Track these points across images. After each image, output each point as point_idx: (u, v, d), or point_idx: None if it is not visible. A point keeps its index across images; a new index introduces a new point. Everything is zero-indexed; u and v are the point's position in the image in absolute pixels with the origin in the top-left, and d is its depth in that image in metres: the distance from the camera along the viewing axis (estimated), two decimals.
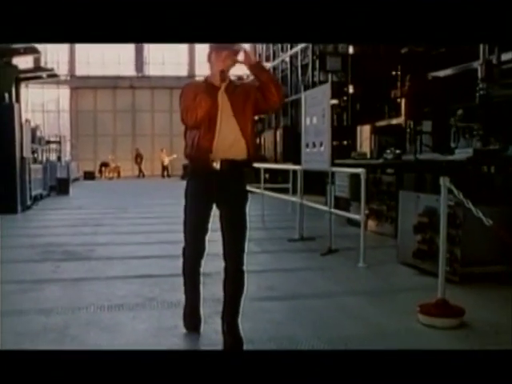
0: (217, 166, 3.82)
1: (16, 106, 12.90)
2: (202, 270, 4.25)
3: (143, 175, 34.60)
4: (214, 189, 3.86)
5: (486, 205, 4.81)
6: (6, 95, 12.90)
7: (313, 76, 21.04)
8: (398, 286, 5.86)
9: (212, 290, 4.86)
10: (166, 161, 33.89)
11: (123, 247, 8.23)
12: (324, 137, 7.65)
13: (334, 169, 8.10)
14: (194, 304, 4.37)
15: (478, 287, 5.57)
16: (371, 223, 9.55)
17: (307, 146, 8.29)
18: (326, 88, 7.65)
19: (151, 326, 4.53)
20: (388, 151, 10.61)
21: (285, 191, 11.89)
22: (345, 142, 19.03)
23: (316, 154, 7.97)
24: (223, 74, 3.77)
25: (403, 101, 13.10)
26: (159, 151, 34.57)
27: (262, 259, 7.27)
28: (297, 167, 8.99)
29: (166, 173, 34.01)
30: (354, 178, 9.88)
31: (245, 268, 4.02)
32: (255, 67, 3.84)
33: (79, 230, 10.23)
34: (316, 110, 7.94)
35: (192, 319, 4.36)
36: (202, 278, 4.34)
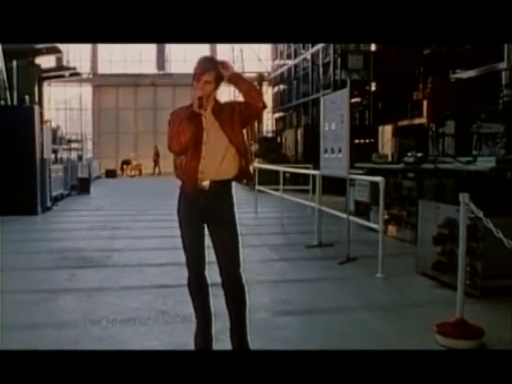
0: (205, 185, 3.86)
1: (36, 107, 12.96)
2: (209, 281, 4.12)
3: (159, 172, 34.60)
4: (203, 207, 3.91)
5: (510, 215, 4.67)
6: (27, 97, 12.94)
7: (334, 75, 20.86)
8: (416, 299, 5.71)
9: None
10: None
11: (139, 253, 8.19)
12: (342, 143, 7.51)
13: (353, 176, 7.95)
14: (205, 320, 4.23)
15: (499, 302, 5.40)
16: (391, 228, 9.40)
17: (326, 151, 8.16)
18: (345, 93, 7.50)
19: (162, 343, 4.46)
20: (409, 154, 10.41)
21: (306, 191, 11.79)
22: (366, 140, 18.85)
23: (334, 159, 7.84)
24: (201, 100, 3.77)
25: (425, 103, 12.87)
26: None
27: (279, 268, 7.18)
28: (315, 172, 8.86)
29: None
30: (374, 182, 9.74)
31: (244, 281, 4.00)
32: (233, 78, 3.89)
33: (97, 233, 10.22)
34: (335, 115, 7.81)
35: (202, 338, 4.21)
36: (210, 290, 4.21)
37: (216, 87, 3.92)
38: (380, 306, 5.42)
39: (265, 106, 4.03)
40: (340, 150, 7.59)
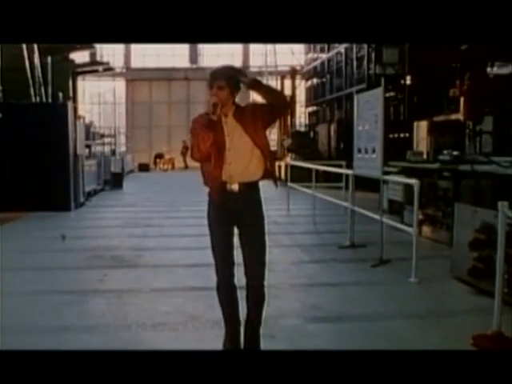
0: (235, 188, 3.92)
1: (70, 104, 13.07)
2: (237, 283, 4.15)
3: (186, 166, 34.62)
4: (233, 210, 3.97)
5: None
6: (60, 94, 13.05)
7: (368, 69, 20.60)
8: (451, 307, 5.55)
9: None
10: None
11: (171, 253, 8.18)
12: (376, 143, 7.36)
13: (386, 177, 7.80)
14: (234, 328, 4.22)
15: None
16: (426, 229, 9.21)
17: (359, 151, 8.02)
18: (379, 92, 7.34)
19: None
20: (445, 152, 10.18)
21: (338, 186, 11.65)
22: (401, 135, 18.55)
23: (368, 160, 7.69)
24: (215, 107, 3.79)
25: (462, 100, 12.56)
26: None
27: (311, 270, 7.08)
28: (349, 171, 8.72)
29: None
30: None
31: (265, 283, 4.10)
32: (252, 84, 3.89)
33: (129, 231, 10.27)
34: (369, 114, 7.65)
35: (231, 345, 4.19)
36: (239, 294, 4.21)
37: (231, 93, 3.91)
38: (414, 314, 5.28)
39: (288, 106, 4.03)
40: (374, 151, 7.44)
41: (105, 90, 37.84)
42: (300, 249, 8.39)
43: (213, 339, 4.54)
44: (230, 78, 3.88)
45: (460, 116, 13.25)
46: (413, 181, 6.58)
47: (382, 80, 7.12)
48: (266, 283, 4.09)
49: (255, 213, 4.03)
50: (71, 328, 4.90)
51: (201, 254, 7.83)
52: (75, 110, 19.90)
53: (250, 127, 3.91)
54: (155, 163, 34.88)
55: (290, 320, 5.11)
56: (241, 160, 3.91)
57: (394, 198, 10.50)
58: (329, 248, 8.46)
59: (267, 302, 4.39)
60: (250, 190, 3.98)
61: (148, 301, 5.74)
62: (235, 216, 3.99)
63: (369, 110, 7.64)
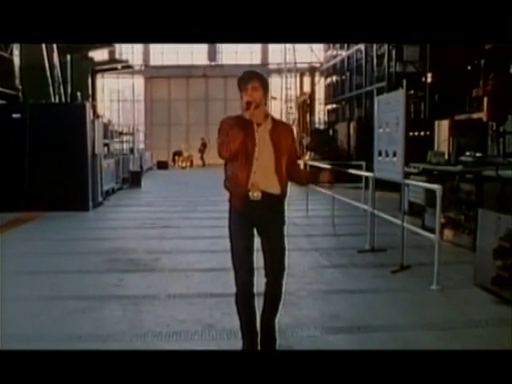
0: (257, 196, 3.99)
1: (88, 104, 13.07)
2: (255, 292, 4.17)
3: (203, 164, 34.63)
4: (255, 217, 4.05)
5: None
6: (79, 94, 13.05)
7: (389, 66, 20.36)
8: (475, 317, 5.38)
9: None
10: None
11: (188, 256, 8.09)
12: (398, 146, 7.20)
13: (408, 181, 7.64)
14: (251, 338, 4.22)
15: None
16: (448, 232, 9.02)
17: (379, 154, 7.86)
18: (401, 95, 7.18)
19: None
20: (467, 154, 9.99)
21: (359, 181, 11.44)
22: (421, 133, 18.29)
23: (389, 163, 7.53)
24: (249, 104, 3.85)
25: (485, 100, 12.31)
26: None
27: (329, 276, 6.95)
28: (369, 174, 8.56)
29: None
30: (431, 182, 9.36)
31: (284, 282, 4.25)
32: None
33: (146, 232, 10.21)
34: (389, 116, 7.49)
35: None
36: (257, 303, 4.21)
37: (264, 94, 3.98)
38: (436, 325, 5.13)
39: (302, 183, 4.55)
40: (395, 154, 7.28)
41: (124, 88, 37.98)
42: (319, 252, 8.26)
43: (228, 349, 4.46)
44: (263, 80, 4.00)
45: (483, 116, 13.00)
46: (435, 186, 6.41)
47: (404, 82, 6.95)
48: (284, 283, 4.24)
49: (276, 220, 4.14)
50: (85, 337, 4.83)
51: (218, 257, 7.80)
52: (94, 108, 19.99)
53: (278, 149, 4.01)
54: (174, 161, 34.88)
55: (309, 330, 4.99)
56: (265, 171, 3.99)
57: (415, 200, 10.31)
58: (348, 252, 8.31)
59: (285, 310, 4.66)
60: (273, 200, 4.05)
61: (164, 308, 5.66)
62: (256, 222, 4.08)
63: (390, 112, 7.48)
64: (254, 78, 3.95)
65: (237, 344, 4.41)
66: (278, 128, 4.08)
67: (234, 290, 5.62)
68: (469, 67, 16.47)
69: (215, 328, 5.04)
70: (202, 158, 35.05)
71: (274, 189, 4.05)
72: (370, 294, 6.20)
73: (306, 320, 5.25)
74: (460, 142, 11.83)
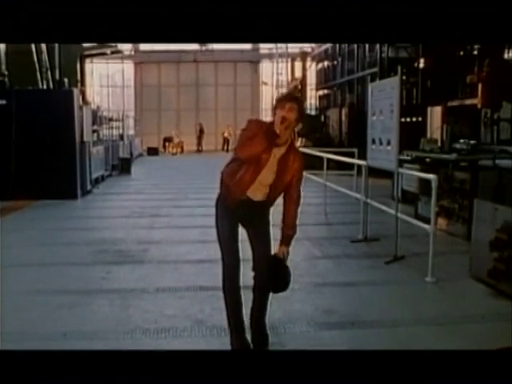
0: (252, 197, 4.13)
1: (75, 90, 12.78)
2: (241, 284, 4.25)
3: (200, 150, 34.54)
4: (242, 213, 4.20)
5: None
6: (66, 80, 12.77)
7: (381, 52, 20.12)
8: (472, 311, 5.24)
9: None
10: (226, 134, 34.09)
11: (177, 247, 7.93)
12: (392, 135, 7.04)
13: (402, 170, 7.49)
14: (239, 327, 4.26)
15: None
16: (441, 222, 8.90)
17: (373, 142, 7.70)
18: (395, 81, 7.01)
19: None
20: (461, 141, 9.85)
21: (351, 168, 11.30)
22: (413, 119, 18.11)
23: (382, 152, 7.38)
24: (284, 120, 3.88)
25: (480, 86, 12.14)
26: (225, 127, 34.53)
27: (323, 268, 6.82)
28: (362, 162, 8.40)
29: (226, 147, 34.04)
30: (424, 170, 9.23)
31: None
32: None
33: (136, 222, 10.03)
34: (383, 104, 7.32)
35: (238, 346, 4.21)
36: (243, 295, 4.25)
37: (296, 119, 3.98)
38: (432, 320, 5.00)
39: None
40: (389, 142, 7.13)
41: (114, 73, 37.54)
42: (311, 242, 8.10)
43: (219, 347, 4.32)
44: (301, 107, 4.06)
45: (477, 102, 12.85)
46: (431, 176, 6.26)
47: (399, 68, 6.78)
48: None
49: (262, 218, 4.29)
50: (71, 334, 4.65)
51: (208, 248, 7.63)
52: (83, 94, 19.68)
53: (280, 173, 4.06)
54: (164, 147, 34.64)
55: (302, 326, 4.85)
56: (265, 186, 4.11)
57: (408, 188, 10.17)
58: (341, 241, 8.18)
59: (277, 304, 4.76)
60: (261, 204, 4.19)
61: (152, 302, 5.50)
62: (241, 216, 4.23)
63: (384, 100, 7.31)
64: (294, 101, 4.01)
65: (227, 341, 4.28)
66: (291, 153, 4.09)
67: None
68: (462, 53, 16.26)
69: (205, 324, 4.89)
70: (199, 143, 34.92)
71: (263, 198, 4.17)
72: (364, 286, 6.07)
73: (298, 315, 5.11)
74: (453, 129, 11.68)
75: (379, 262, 6.96)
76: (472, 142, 9.50)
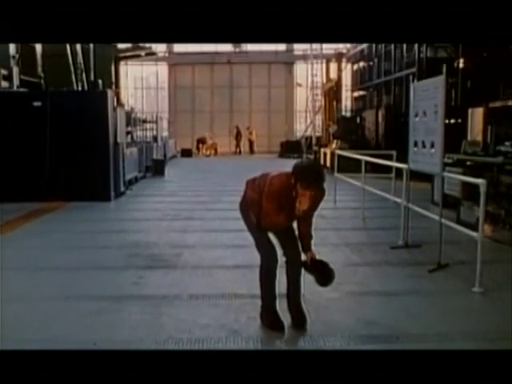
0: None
1: (109, 92, 12.69)
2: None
3: (240, 152, 34.47)
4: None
5: None
6: (100, 81, 12.72)
7: (419, 52, 19.66)
8: None
9: None
10: (254, 137, 34.21)
11: (211, 251, 7.71)
12: (436, 136, 6.70)
13: (447, 174, 7.13)
14: (271, 302, 4.78)
15: None
16: (486, 228, 8.47)
17: (415, 144, 7.36)
18: (440, 81, 6.67)
19: None
20: (507, 143, 9.42)
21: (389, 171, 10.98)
22: (452, 121, 17.62)
23: (426, 154, 7.04)
24: (301, 209, 4.46)
25: None
26: (245, 129, 34.63)
27: (363, 276, 6.51)
28: (403, 166, 8.05)
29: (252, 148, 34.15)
30: (467, 173, 8.85)
31: (303, 258, 4.72)
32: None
33: (169, 225, 9.86)
34: (427, 104, 6.98)
35: (269, 316, 4.76)
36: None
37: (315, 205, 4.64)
38: (482, 336, 4.65)
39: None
40: (433, 145, 6.79)
41: (148, 75, 37.70)
42: (349, 248, 7.81)
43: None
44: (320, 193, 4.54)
45: None
46: (479, 181, 5.91)
47: (444, 67, 6.45)
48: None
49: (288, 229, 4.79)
50: (101, 343, 4.46)
51: (243, 253, 7.40)
52: (117, 96, 19.69)
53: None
54: (198, 148, 34.60)
55: (342, 339, 4.57)
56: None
57: (450, 192, 9.77)
58: (380, 248, 7.85)
59: (316, 315, 5.01)
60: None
61: (185, 310, 5.28)
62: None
63: (427, 100, 6.97)
64: (314, 188, 4.40)
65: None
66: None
67: (259, 290, 5.30)
68: (503, 51, 15.71)
69: (240, 335, 4.65)
70: (237, 145, 34.88)
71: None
72: (407, 296, 5.75)
73: (339, 327, 4.83)
74: (498, 130, 11.22)
75: (422, 269, 6.62)
76: None
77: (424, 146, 7.05)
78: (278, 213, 4.40)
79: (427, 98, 6.99)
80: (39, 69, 16.30)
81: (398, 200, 8.66)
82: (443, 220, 6.92)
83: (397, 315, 5.16)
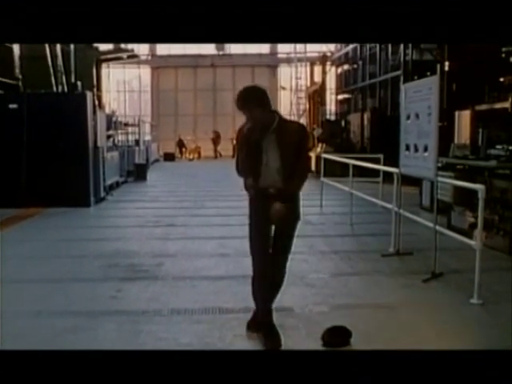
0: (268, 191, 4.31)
1: (88, 94, 12.27)
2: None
3: (220, 155, 34.08)
4: (267, 207, 4.26)
5: None
6: (79, 83, 12.32)
7: (405, 54, 19.47)
8: None
9: None
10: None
11: (194, 260, 7.33)
12: (430, 140, 6.41)
13: (441, 179, 6.84)
14: (267, 317, 4.44)
15: None
16: (479, 234, 8.21)
17: (407, 148, 7.06)
18: (434, 81, 6.38)
19: None
20: (498, 147, 9.17)
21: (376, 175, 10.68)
22: (439, 124, 17.44)
23: (418, 158, 6.74)
24: (247, 121, 4.31)
25: None
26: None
27: (354, 286, 6.18)
28: (394, 170, 7.75)
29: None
30: (458, 178, 8.59)
31: (286, 270, 4.50)
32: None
33: (150, 232, 9.48)
34: (420, 106, 6.69)
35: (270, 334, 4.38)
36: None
37: (254, 109, 4.28)
38: None
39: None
40: (426, 148, 6.49)
41: (131, 78, 37.25)
42: (339, 256, 7.48)
43: None
44: (245, 99, 4.20)
45: (509, 106, 12.16)
46: (477, 186, 5.62)
47: (438, 67, 6.16)
48: (286, 270, 4.50)
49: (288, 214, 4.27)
50: None
51: (227, 262, 7.08)
52: (99, 99, 19.26)
53: (283, 150, 4.26)
54: (181, 152, 34.18)
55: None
56: (272, 173, 4.30)
57: (441, 197, 9.48)
58: (371, 255, 7.53)
59: (307, 330, 4.76)
60: (283, 194, 4.25)
61: (166, 327, 4.89)
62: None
63: (420, 102, 6.68)
64: (238, 105, 4.18)
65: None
66: (284, 128, 4.23)
67: (246, 303, 4.99)
68: (489, 55, 15.60)
69: None
70: (215, 149, 34.46)
71: (280, 185, 4.27)
72: (401, 308, 5.43)
73: None
74: (489, 134, 10.98)
75: (416, 279, 6.31)
76: (510, 147, 8.81)
77: (416, 150, 6.76)
78: (244, 161, 4.32)
79: (419, 99, 6.70)
80: (17, 70, 15.81)
81: (387, 205, 8.35)
82: (439, 228, 6.62)
83: (392, 330, 4.84)
